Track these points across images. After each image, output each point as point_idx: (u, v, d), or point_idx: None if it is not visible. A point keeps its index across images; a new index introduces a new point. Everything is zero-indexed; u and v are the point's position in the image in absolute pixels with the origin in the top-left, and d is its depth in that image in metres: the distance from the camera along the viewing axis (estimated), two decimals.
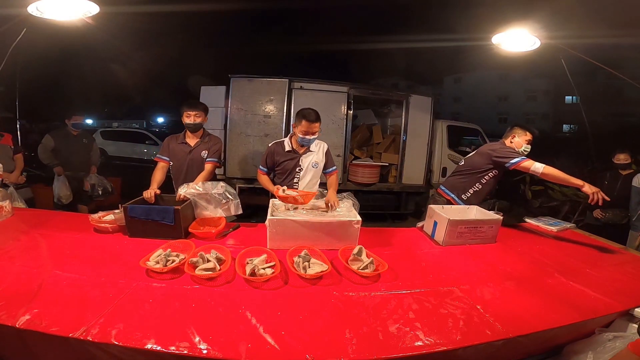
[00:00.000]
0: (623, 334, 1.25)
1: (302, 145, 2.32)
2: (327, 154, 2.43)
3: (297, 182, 2.35)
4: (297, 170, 2.34)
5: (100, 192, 3.79)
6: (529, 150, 2.39)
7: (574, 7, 3.00)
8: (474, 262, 1.77)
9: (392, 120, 6.23)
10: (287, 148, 2.34)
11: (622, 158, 3.31)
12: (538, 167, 2.19)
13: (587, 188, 1.98)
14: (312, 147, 2.36)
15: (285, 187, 2.12)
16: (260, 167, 2.41)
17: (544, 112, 24.29)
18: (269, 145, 2.41)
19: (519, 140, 2.40)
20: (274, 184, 2.42)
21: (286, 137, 2.42)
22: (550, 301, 1.39)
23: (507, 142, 2.45)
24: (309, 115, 2.19)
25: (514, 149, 2.36)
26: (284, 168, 2.34)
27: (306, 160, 2.35)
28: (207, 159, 2.46)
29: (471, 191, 2.44)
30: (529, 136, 2.40)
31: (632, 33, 3.09)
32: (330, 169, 2.45)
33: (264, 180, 2.38)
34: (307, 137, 2.23)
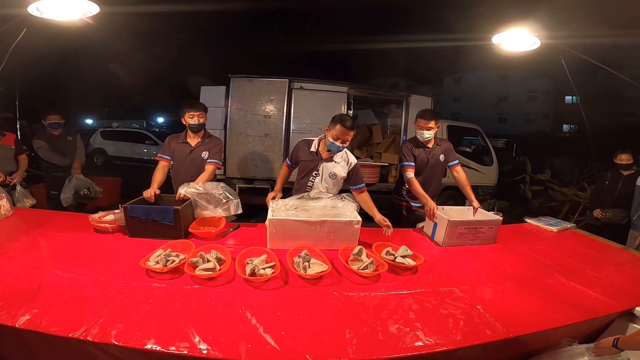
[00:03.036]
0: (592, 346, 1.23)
1: (329, 151, 2.19)
2: (353, 170, 2.25)
3: (311, 186, 2.27)
4: (313, 173, 2.25)
5: (82, 194, 3.61)
6: (424, 137, 2.43)
7: (574, 7, 3.00)
8: (474, 263, 1.78)
9: (392, 120, 6.21)
10: (313, 149, 2.24)
11: (624, 158, 3.30)
12: (407, 175, 2.39)
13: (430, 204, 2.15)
14: (337, 157, 2.23)
15: (276, 199, 2.11)
16: (287, 159, 2.39)
17: (544, 112, 24.29)
18: (299, 140, 2.36)
19: (415, 128, 2.49)
20: (295, 178, 2.40)
21: (315, 137, 2.33)
22: (550, 301, 1.39)
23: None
24: (346, 122, 2.06)
25: (406, 152, 2.46)
26: (303, 167, 2.29)
27: (325, 168, 2.24)
28: (208, 160, 2.44)
29: (403, 189, 2.54)
30: (421, 123, 2.42)
31: (632, 33, 3.09)
32: (358, 186, 2.25)
33: (280, 175, 2.36)
34: (337, 143, 2.09)
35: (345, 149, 2.22)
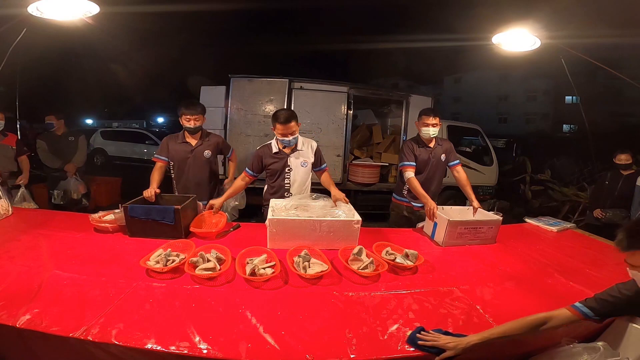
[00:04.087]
0: (593, 345, 1.22)
1: (286, 147, 2.26)
2: (317, 152, 2.35)
3: (289, 183, 2.30)
4: (286, 170, 2.29)
5: (63, 197, 3.53)
6: (429, 133, 2.43)
7: (574, 7, 3.00)
8: (473, 263, 1.77)
9: (392, 120, 6.22)
10: (274, 150, 2.27)
11: (623, 158, 3.31)
12: (407, 175, 2.38)
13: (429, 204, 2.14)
14: (300, 145, 2.29)
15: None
16: (247, 169, 2.32)
17: (544, 112, 24.29)
18: (257, 148, 2.36)
19: (419, 127, 2.48)
20: (265, 185, 2.40)
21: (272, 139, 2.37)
22: (550, 301, 1.39)
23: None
24: (280, 117, 2.13)
25: (407, 151, 2.46)
26: (273, 170, 2.29)
27: (294, 160, 2.29)
28: (229, 158, 2.74)
29: (405, 188, 2.55)
30: (426, 120, 2.42)
31: (632, 33, 3.09)
32: (321, 167, 2.38)
33: (234, 186, 2.30)
34: (287, 138, 2.17)
35: (299, 136, 2.28)
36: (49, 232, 1.88)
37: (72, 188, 3.59)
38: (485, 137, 6.02)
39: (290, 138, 2.18)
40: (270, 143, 2.32)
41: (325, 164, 2.42)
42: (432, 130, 2.42)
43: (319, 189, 2.28)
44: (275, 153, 2.28)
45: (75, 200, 3.64)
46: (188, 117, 2.36)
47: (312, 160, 2.34)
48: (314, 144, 2.37)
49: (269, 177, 2.36)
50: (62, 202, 3.57)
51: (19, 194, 2.81)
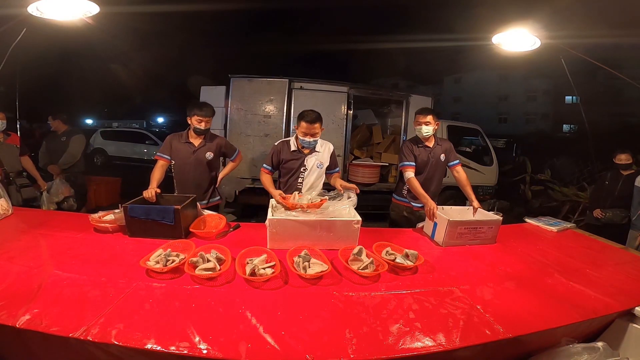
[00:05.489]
0: (593, 345, 1.22)
1: (304, 147, 2.31)
2: (332, 155, 2.41)
3: (302, 182, 2.34)
4: (301, 170, 2.33)
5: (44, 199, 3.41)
6: (422, 132, 2.42)
7: (574, 7, 3.00)
8: (474, 263, 1.77)
9: (392, 120, 6.22)
10: (293, 148, 2.33)
11: (623, 158, 3.31)
12: (407, 175, 2.39)
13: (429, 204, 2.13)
14: (318, 147, 2.35)
15: (281, 192, 2.09)
16: (265, 165, 2.38)
17: (544, 112, 24.29)
18: (275, 144, 2.40)
19: (415, 126, 2.50)
20: (278, 182, 2.41)
21: (290, 136, 2.43)
22: (550, 301, 1.39)
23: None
24: (308, 116, 2.19)
25: (406, 152, 2.47)
26: (288, 167, 2.34)
27: (311, 161, 2.34)
28: (231, 160, 2.65)
29: (405, 189, 2.56)
30: (419, 119, 2.43)
31: (632, 33, 3.09)
32: (334, 170, 2.44)
33: (266, 181, 2.32)
34: (307, 138, 2.22)
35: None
36: (49, 232, 1.88)
37: (52, 190, 3.48)
38: (485, 137, 6.02)
39: (311, 140, 2.22)
40: (289, 140, 2.37)
41: (338, 168, 2.46)
42: (425, 128, 2.41)
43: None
44: (293, 151, 2.33)
45: (57, 202, 3.49)
46: (200, 118, 2.35)
47: (328, 162, 2.37)
48: (331, 146, 2.42)
49: (282, 175, 2.40)
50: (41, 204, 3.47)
51: (42, 198, 3.12)
